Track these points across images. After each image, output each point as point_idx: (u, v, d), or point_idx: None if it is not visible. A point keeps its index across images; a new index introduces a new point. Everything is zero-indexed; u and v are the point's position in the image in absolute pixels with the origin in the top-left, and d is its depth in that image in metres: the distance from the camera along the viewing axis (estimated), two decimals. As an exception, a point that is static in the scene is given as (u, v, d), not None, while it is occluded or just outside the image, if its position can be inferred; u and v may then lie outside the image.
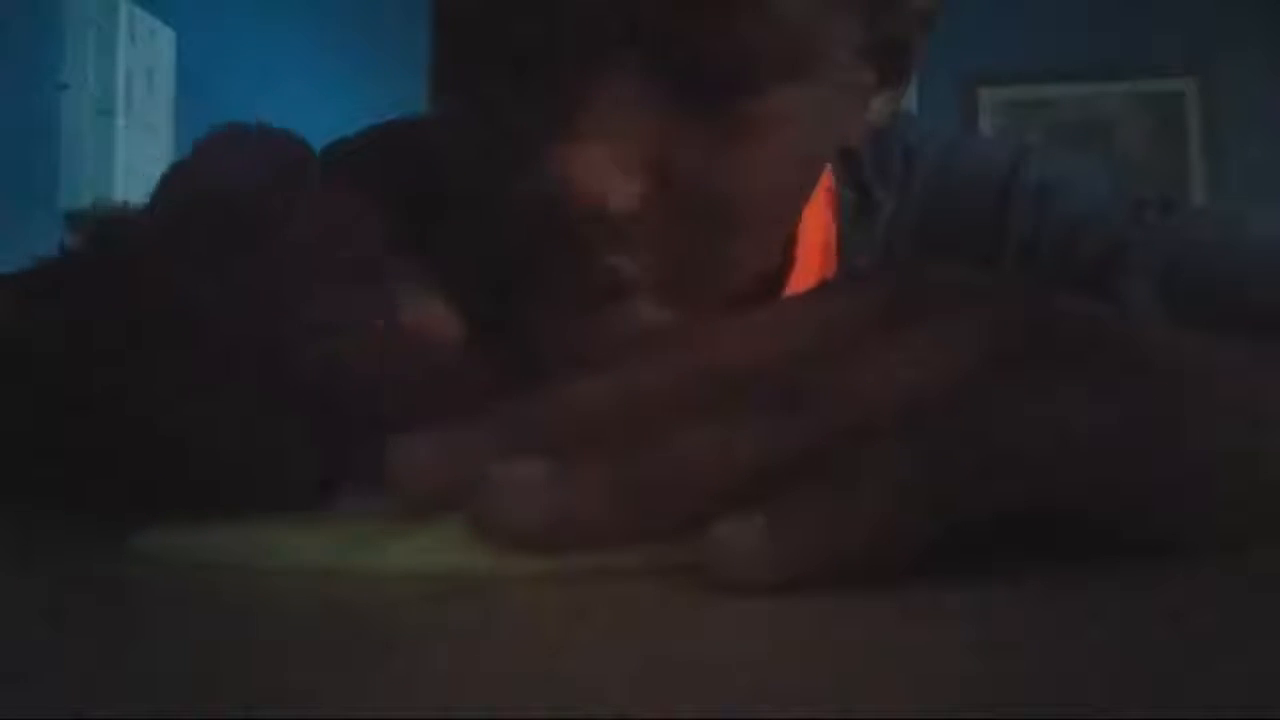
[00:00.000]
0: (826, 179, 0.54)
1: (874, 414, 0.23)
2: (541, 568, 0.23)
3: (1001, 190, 0.55)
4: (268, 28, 3.00)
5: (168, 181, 0.33)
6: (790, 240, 0.50)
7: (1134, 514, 0.24)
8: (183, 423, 0.27)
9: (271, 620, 0.21)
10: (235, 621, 0.21)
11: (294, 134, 0.34)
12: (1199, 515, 0.25)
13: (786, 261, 0.51)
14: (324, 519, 0.26)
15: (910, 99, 2.64)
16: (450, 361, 0.30)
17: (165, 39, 2.74)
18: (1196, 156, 3.27)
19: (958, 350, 0.24)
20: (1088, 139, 3.25)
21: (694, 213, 0.41)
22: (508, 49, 0.41)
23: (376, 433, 0.24)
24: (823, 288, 0.29)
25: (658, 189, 0.40)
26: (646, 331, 0.40)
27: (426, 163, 0.56)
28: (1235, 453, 0.25)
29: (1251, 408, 0.26)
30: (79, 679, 0.16)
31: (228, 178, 0.31)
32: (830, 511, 0.22)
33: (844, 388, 0.23)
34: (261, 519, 0.26)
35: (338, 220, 0.31)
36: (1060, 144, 3.18)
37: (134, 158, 2.56)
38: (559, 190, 0.39)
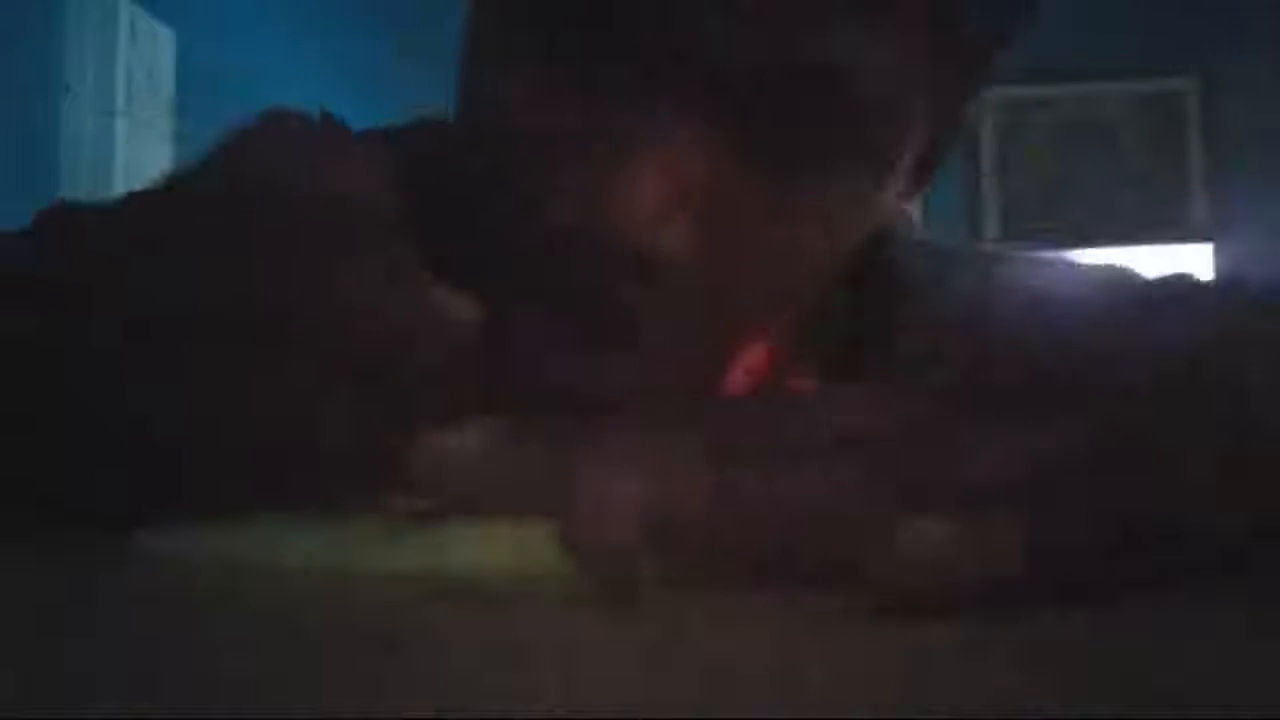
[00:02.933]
0: None
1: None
2: (542, 569, 0.23)
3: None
4: (268, 27, 3.00)
5: (209, 166, 0.32)
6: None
7: None
8: (187, 420, 0.27)
9: (273, 620, 0.21)
10: (237, 621, 0.21)
11: (333, 119, 0.33)
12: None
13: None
14: (326, 519, 0.26)
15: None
16: (468, 344, 0.29)
17: (165, 39, 2.74)
18: (1197, 157, 3.27)
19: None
20: (1088, 139, 3.25)
21: (720, 273, 0.40)
22: (589, 69, 0.39)
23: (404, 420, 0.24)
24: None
25: (695, 239, 0.39)
26: (650, 381, 0.39)
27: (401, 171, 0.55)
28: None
29: None
30: (79, 679, 0.16)
31: (268, 167, 0.31)
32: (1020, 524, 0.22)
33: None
34: (264, 519, 0.26)
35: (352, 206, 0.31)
36: (1061, 144, 3.18)
37: (134, 158, 2.56)
38: (603, 219, 0.38)
